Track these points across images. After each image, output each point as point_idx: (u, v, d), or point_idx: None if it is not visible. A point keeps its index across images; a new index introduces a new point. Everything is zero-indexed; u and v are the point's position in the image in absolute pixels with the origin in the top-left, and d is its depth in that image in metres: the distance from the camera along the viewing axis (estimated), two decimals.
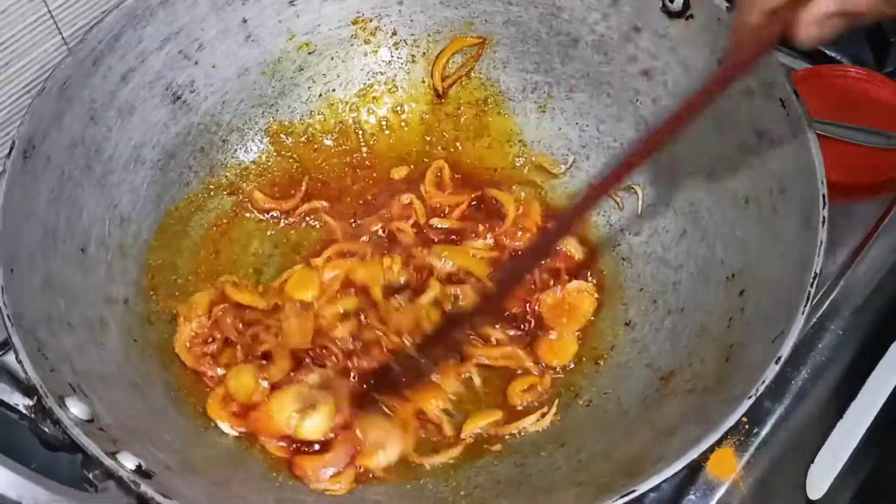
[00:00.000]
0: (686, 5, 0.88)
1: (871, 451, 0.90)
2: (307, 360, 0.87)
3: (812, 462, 0.88)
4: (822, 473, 0.88)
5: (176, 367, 0.87)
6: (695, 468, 0.86)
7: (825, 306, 0.95)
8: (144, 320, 0.88)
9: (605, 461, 0.78)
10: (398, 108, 1.06)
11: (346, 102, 1.05)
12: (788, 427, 0.89)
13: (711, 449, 0.69)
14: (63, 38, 0.95)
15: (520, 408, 0.87)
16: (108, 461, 0.65)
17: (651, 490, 0.67)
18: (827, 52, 1.09)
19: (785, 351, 0.69)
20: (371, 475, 0.82)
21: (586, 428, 0.84)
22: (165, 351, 0.87)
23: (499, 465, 0.83)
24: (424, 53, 1.05)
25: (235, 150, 1.01)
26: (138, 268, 0.91)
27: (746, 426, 0.88)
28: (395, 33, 1.04)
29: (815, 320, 0.94)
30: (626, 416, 0.83)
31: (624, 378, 0.87)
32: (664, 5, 0.90)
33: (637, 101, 0.97)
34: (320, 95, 1.05)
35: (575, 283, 0.94)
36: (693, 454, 0.67)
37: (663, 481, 0.66)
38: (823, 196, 0.75)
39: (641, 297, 0.92)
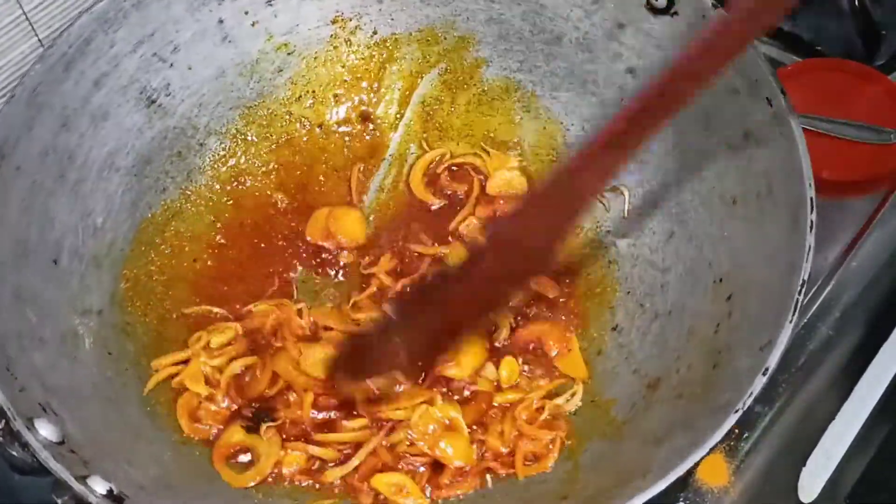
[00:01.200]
0: (671, 2, 0.86)
1: (864, 451, 0.88)
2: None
3: (804, 465, 0.87)
4: (815, 476, 0.86)
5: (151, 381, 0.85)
6: (685, 475, 0.84)
7: (816, 305, 0.93)
8: (120, 331, 0.86)
9: (592, 472, 0.76)
10: (380, 109, 1.04)
11: (327, 104, 1.03)
12: (779, 431, 0.88)
13: None
14: (39, 39, 0.93)
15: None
16: (77, 486, 0.63)
17: None
18: (816, 45, 1.07)
19: (772, 362, 0.67)
20: None
21: (572, 436, 0.82)
22: (141, 364, 0.85)
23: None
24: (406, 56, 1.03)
25: (213, 154, 0.99)
26: (113, 278, 0.89)
27: (736, 431, 0.87)
28: (375, 32, 1.02)
29: (805, 320, 0.92)
30: (613, 424, 0.81)
31: (610, 384, 0.85)
32: (648, 2, 0.88)
33: (623, 99, 0.95)
34: (300, 97, 1.02)
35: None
36: (680, 470, 0.65)
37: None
38: (811, 199, 0.73)
39: (628, 301, 0.90)
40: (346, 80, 1.03)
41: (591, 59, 0.95)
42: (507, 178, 1.00)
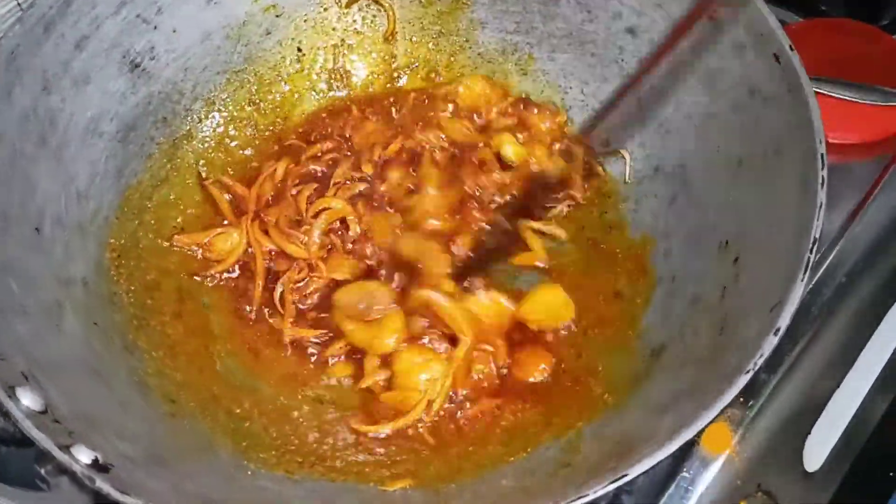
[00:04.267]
0: None
1: (868, 419, 0.86)
2: None
3: (809, 434, 0.85)
4: (820, 444, 0.85)
5: (141, 351, 0.82)
6: (688, 444, 0.82)
7: (821, 271, 0.91)
8: (107, 302, 0.83)
9: (595, 441, 0.74)
10: (371, 72, 1.01)
11: (319, 67, 1.00)
12: (784, 399, 0.86)
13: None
14: (18, 3, 0.92)
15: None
16: (60, 455, 0.60)
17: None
18: (819, 5, 1.05)
19: (784, 322, 0.65)
20: None
21: (574, 406, 0.80)
22: (129, 333, 0.82)
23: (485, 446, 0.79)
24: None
25: (200, 120, 0.96)
26: (98, 246, 0.86)
27: (741, 399, 0.85)
28: None
29: (811, 286, 0.90)
30: (616, 393, 0.79)
31: (613, 352, 0.83)
32: None
33: (622, 59, 0.92)
34: (289, 61, 0.99)
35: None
36: (687, 434, 0.63)
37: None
38: (822, 155, 0.71)
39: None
40: (336, 44, 1.00)
41: (590, 18, 0.92)
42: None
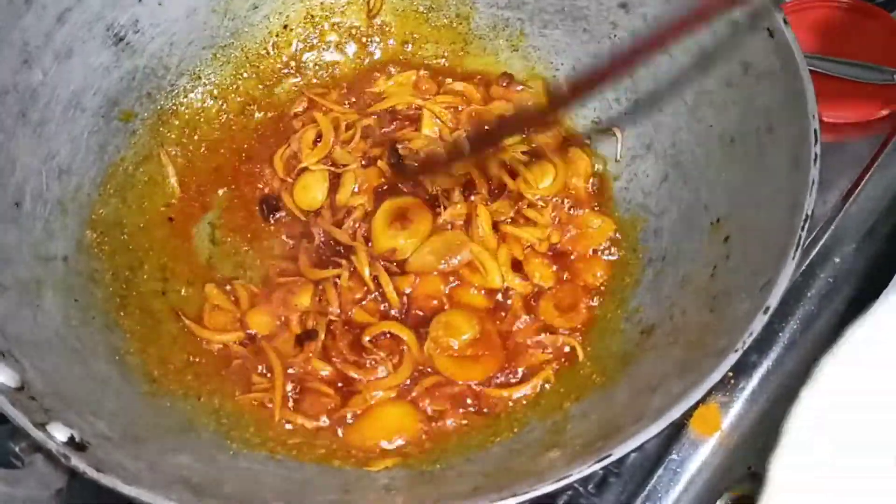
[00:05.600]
0: None
1: None
2: None
3: None
4: None
5: (122, 330, 0.81)
6: (678, 426, 0.81)
7: (814, 252, 0.90)
8: (87, 279, 0.82)
9: (582, 422, 0.73)
10: (360, 46, 0.99)
11: (306, 42, 0.98)
12: (775, 380, 0.85)
13: (695, 405, 0.65)
14: None
15: None
16: (34, 432, 0.59)
17: (632, 450, 0.62)
18: None
19: (773, 300, 0.64)
20: None
21: (562, 387, 0.79)
22: (110, 312, 0.81)
23: (469, 428, 0.78)
24: None
25: (185, 96, 0.94)
26: (79, 224, 0.84)
27: (732, 381, 0.84)
28: None
29: (803, 268, 0.89)
30: (604, 373, 0.78)
31: (602, 333, 0.82)
32: None
33: (614, 35, 0.90)
34: (277, 35, 0.97)
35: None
36: (675, 413, 0.62)
37: (644, 443, 0.61)
38: (815, 131, 0.69)
39: (620, 246, 0.87)
40: (325, 17, 0.98)
41: None
42: None
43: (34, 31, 0.82)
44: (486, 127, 0.92)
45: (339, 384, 0.81)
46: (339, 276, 0.85)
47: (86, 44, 0.86)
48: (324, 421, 0.79)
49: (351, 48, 0.99)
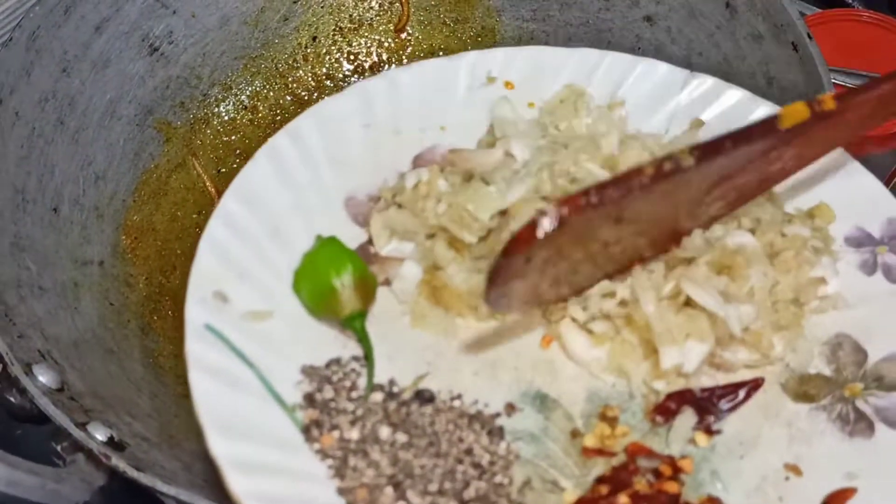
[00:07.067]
0: None
1: None
2: None
3: None
4: None
5: (156, 333, 0.83)
6: None
7: None
8: (122, 283, 0.84)
9: None
10: (390, 59, 1.01)
11: (336, 54, 1.00)
12: None
13: None
14: None
15: None
16: (76, 432, 0.61)
17: None
18: None
19: None
20: None
21: None
22: (144, 315, 0.83)
23: None
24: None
25: (217, 106, 0.96)
26: (115, 229, 0.86)
27: None
28: None
29: None
30: None
31: None
32: None
33: (639, 49, 0.92)
34: (307, 47, 0.99)
35: None
36: None
37: None
38: None
39: None
40: (354, 30, 1.00)
41: (606, 6, 0.92)
42: None
43: (72, 40, 0.84)
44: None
45: None
46: None
47: (122, 53, 0.89)
48: None
49: (376, 59, 1.01)
